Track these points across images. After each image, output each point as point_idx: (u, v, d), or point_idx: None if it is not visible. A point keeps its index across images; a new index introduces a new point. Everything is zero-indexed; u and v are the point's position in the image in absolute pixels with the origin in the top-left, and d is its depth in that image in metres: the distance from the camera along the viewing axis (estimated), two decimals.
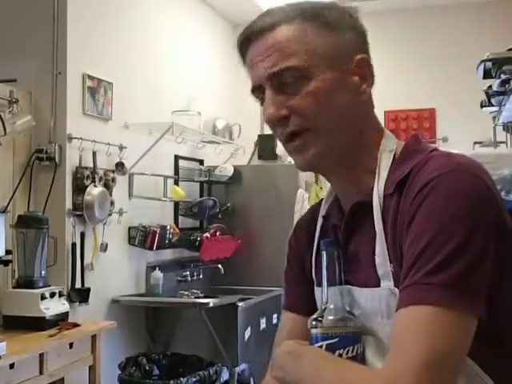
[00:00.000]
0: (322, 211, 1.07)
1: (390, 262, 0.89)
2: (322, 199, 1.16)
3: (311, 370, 0.87)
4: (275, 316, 4.08)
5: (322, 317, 0.92)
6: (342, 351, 0.88)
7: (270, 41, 0.95)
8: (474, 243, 0.80)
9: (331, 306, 0.92)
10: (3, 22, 3.28)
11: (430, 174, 0.86)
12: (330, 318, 0.91)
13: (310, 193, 4.80)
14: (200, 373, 3.27)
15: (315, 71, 0.93)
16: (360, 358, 0.90)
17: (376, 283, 0.90)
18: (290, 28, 0.95)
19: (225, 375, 3.53)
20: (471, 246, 0.80)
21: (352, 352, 0.89)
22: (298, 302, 1.11)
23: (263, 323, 3.90)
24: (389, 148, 0.97)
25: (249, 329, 3.69)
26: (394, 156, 0.96)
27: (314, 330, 0.91)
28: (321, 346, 0.89)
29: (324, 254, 0.95)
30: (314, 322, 0.92)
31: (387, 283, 0.89)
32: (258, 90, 0.99)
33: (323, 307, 0.93)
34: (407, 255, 0.83)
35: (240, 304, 3.61)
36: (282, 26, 0.95)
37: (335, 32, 0.96)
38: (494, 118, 3.52)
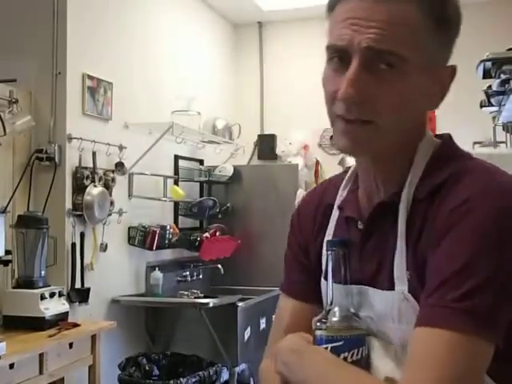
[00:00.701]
0: (338, 201, 1.03)
1: (407, 269, 0.87)
2: (328, 181, 1.12)
3: (318, 374, 0.86)
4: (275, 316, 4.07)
5: (327, 318, 0.91)
6: (346, 354, 0.88)
7: (385, 12, 0.84)
8: (505, 275, 0.79)
9: (335, 309, 0.91)
10: (3, 22, 3.28)
11: (468, 191, 0.83)
12: (335, 319, 0.90)
13: None
14: (200, 373, 3.27)
15: (414, 70, 0.86)
16: (364, 361, 0.89)
17: (390, 286, 0.89)
18: (411, 10, 0.85)
19: (225, 375, 3.53)
20: (501, 278, 0.79)
21: (357, 355, 0.88)
22: (298, 287, 1.08)
23: (263, 323, 3.90)
24: (425, 152, 0.93)
25: (249, 329, 3.68)
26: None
27: (318, 332, 0.91)
28: (325, 349, 0.89)
29: (331, 254, 0.94)
30: (318, 324, 0.91)
31: (401, 287, 0.87)
32: (336, 50, 0.88)
33: (328, 308, 0.92)
34: (434, 272, 0.82)
35: (240, 304, 3.61)
36: (405, 4, 0.85)
37: (445, 32, 0.89)
38: (493, 117, 3.52)
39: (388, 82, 0.85)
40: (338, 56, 0.88)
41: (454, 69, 0.92)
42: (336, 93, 0.87)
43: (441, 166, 0.90)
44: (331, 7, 0.91)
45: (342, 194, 1.03)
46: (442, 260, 0.81)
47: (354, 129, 0.88)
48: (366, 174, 0.98)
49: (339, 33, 0.87)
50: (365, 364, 0.89)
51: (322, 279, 1.02)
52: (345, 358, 0.87)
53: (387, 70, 0.85)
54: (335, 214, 1.03)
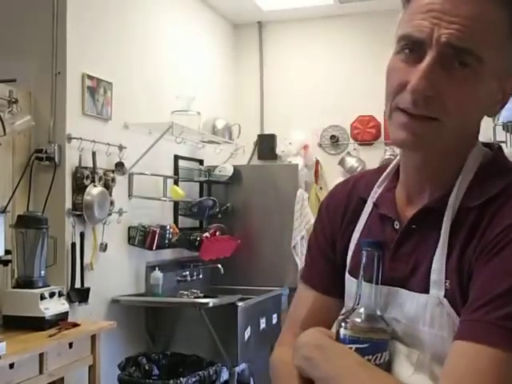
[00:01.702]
0: (373, 197, 1.01)
1: (447, 277, 0.86)
2: (359, 175, 1.11)
3: (345, 372, 0.85)
4: (275, 316, 4.08)
5: (352, 317, 0.90)
6: (370, 357, 0.86)
7: (470, 8, 0.81)
8: None
9: (361, 310, 0.90)
10: (3, 22, 3.27)
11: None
12: (361, 320, 0.89)
13: (309, 193, 4.80)
14: (200, 373, 3.26)
15: (487, 73, 0.83)
16: (386, 366, 0.88)
17: (424, 289, 0.88)
18: (494, 9, 0.82)
19: (225, 375, 3.53)
20: None
21: (380, 359, 0.87)
22: (321, 279, 1.07)
23: (263, 323, 3.90)
24: (475, 159, 0.91)
25: (249, 329, 3.68)
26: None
27: (343, 331, 0.89)
28: (350, 349, 0.87)
29: (365, 254, 0.92)
30: (343, 323, 0.90)
31: (437, 292, 0.86)
32: (411, 41, 0.85)
33: (354, 307, 0.91)
34: (482, 288, 0.81)
35: (240, 304, 3.60)
36: (487, 2, 0.82)
37: None
38: (493, 117, 3.52)
39: (460, 82, 0.83)
40: (410, 48, 0.85)
41: None
42: (403, 84, 0.85)
43: (493, 176, 0.89)
44: None
45: (376, 190, 1.01)
46: (492, 277, 0.80)
47: (418, 124, 0.85)
48: (413, 174, 0.95)
49: (418, 23, 0.83)
50: (386, 369, 0.88)
51: (348, 274, 1.01)
52: (368, 361, 0.86)
53: (461, 68, 0.83)
54: (367, 209, 1.01)
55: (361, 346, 0.87)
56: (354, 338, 0.87)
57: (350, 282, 1.00)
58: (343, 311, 0.92)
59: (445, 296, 0.86)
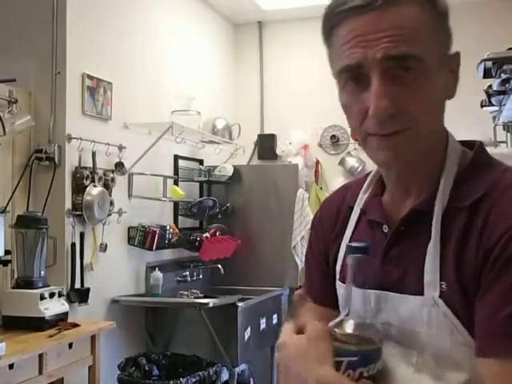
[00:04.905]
0: (360, 203, 1.02)
1: (442, 279, 0.86)
2: (349, 184, 1.11)
3: None
4: (275, 316, 4.07)
5: (343, 327, 0.88)
6: (363, 369, 0.85)
7: (394, 18, 0.83)
8: None
9: (350, 321, 0.88)
10: (3, 22, 3.27)
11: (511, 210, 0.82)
12: (350, 332, 0.88)
13: (310, 193, 4.80)
14: (200, 373, 3.26)
15: (432, 67, 0.85)
16: (381, 375, 0.87)
17: (418, 291, 0.88)
18: (414, 10, 0.84)
19: (224, 375, 3.52)
20: None
21: (373, 370, 0.86)
22: (317, 292, 1.08)
23: (263, 323, 3.89)
24: (454, 155, 0.92)
25: (248, 329, 3.68)
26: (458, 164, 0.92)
27: (335, 344, 0.88)
28: (342, 362, 0.86)
29: (350, 259, 0.90)
30: (335, 333, 0.89)
31: (432, 293, 0.86)
32: (350, 71, 0.86)
33: (344, 316, 0.90)
34: (501, 298, 0.80)
35: (240, 304, 3.60)
36: (405, 6, 0.84)
37: (446, 23, 0.88)
38: (494, 117, 3.52)
39: (413, 86, 0.84)
40: (353, 78, 0.87)
41: (458, 53, 0.92)
42: (364, 112, 0.86)
43: (478, 174, 0.89)
44: (328, 34, 0.90)
45: (362, 197, 1.02)
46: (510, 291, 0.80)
47: (393, 141, 0.86)
48: (397, 180, 0.96)
49: (349, 53, 0.85)
50: (381, 377, 0.87)
51: (338, 282, 1.02)
52: (361, 373, 0.85)
53: (408, 74, 0.84)
54: (354, 216, 1.02)
55: (353, 359, 0.86)
56: (346, 351, 0.86)
57: (342, 289, 1.00)
58: (333, 322, 0.90)
59: (440, 296, 0.85)
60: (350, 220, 1.03)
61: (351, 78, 0.87)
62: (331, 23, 0.88)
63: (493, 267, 0.81)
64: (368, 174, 1.06)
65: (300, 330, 0.92)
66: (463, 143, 0.96)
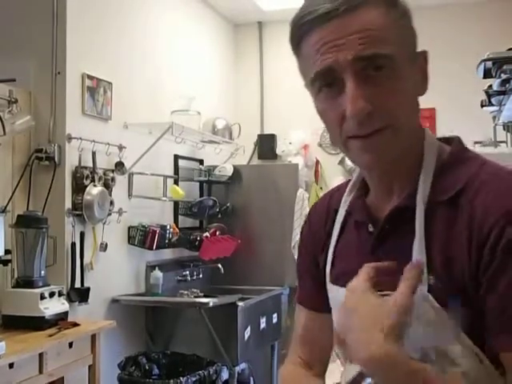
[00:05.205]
0: (344, 205, 1.04)
1: (430, 273, 0.86)
2: (333, 190, 1.13)
3: None
4: (275, 316, 4.08)
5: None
6: None
7: (359, 21, 0.85)
8: None
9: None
10: (3, 22, 3.27)
11: (503, 201, 0.83)
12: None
13: (310, 193, 4.80)
14: (200, 372, 3.26)
15: (402, 64, 0.87)
16: None
17: None
18: (379, 11, 0.86)
19: (225, 375, 3.52)
20: None
21: None
22: (310, 299, 1.10)
23: (263, 323, 3.89)
24: (433, 149, 0.94)
25: (248, 328, 3.68)
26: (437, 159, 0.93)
27: None
28: None
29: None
30: None
31: (420, 287, 0.86)
32: (323, 76, 0.88)
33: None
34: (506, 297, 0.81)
35: (240, 303, 3.60)
36: (367, 9, 0.86)
37: (409, 22, 0.91)
38: (494, 117, 3.52)
39: (386, 85, 0.86)
40: (326, 85, 0.88)
41: (425, 52, 0.93)
42: (341, 116, 0.87)
43: (457, 167, 0.91)
44: (297, 43, 0.91)
45: (346, 200, 1.04)
46: None
47: (374, 141, 0.87)
48: (378, 181, 0.97)
49: (321, 59, 0.87)
50: None
51: (330, 284, 1.03)
52: None
53: (380, 73, 0.86)
54: (339, 218, 1.04)
55: None
56: None
57: (336, 292, 1.01)
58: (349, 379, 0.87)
59: (429, 291, 0.86)
60: (335, 222, 1.04)
61: (325, 84, 0.89)
62: (299, 33, 0.90)
63: (492, 258, 0.82)
64: (350, 180, 1.08)
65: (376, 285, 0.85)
66: (441, 140, 0.98)
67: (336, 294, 1.01)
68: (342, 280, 0.98)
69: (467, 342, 0.84)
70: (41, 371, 2.55)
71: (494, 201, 0.83)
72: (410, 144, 0.92)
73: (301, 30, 0.89)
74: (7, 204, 2.92)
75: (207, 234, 4.24)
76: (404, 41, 0.89)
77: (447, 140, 0.98)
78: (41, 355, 2.55)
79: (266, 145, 5.17)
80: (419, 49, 0.93)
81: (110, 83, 3.53)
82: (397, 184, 0.95)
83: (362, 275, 0.86)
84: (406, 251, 0.89)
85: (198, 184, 4.61)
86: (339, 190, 1.09)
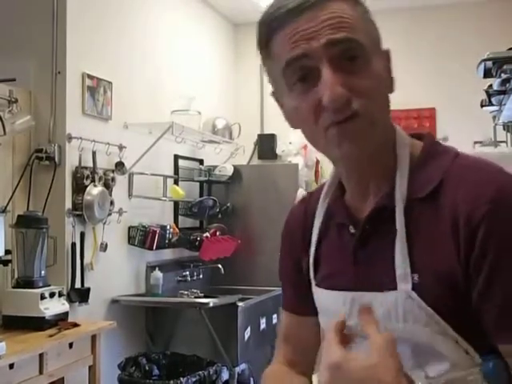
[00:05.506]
0: (322, 208, 1.03)
1: (413, 272, 0.86)
2: (309, 194, 1.13)
3: None
4: (275, 316, 4.07)
5: None
6: None
7: (330, 10, 0.86)
8: None
9: None
10: (3, 22, 3.27)
11: (485, 191, 0.83)
12: None
13: None
14: (200, 373, 3.26)
15: (372, 55, 0.88)
16: None
17: (392, 287, 0.88)
18: (348, 3, 0.88)
19: (225, 375, 3.52)
20: None
21: None
22: (292, 302, 1.12)
23: (263, 323, 3.89)
24: (406, 147, 0.93)
25: (249, 329, 3.68)
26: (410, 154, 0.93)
27: None
28: None
29: None
30: None
31: (404, 286, 0.87)
32: (297, 66, 0.87)
33: None
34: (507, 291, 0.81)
35: (240, 304, 3.60)
36: (335, 2, 0.87)
37: (372, 18, 0.92)
38: (494, 117, 3.52)
39: (360, 74, 0.86)
40: (300, 78, 0.87)
41: (388, 51, 0.94)
42: (317, 106, 0.86)
43: (431, 162, 0.91)
44: (266, 42, 0.90)
45: (323, 203, 1.04)
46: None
47: (350, 125, 0.86)
48: (357, 181, 0.97)
49: (294, 45, 0.86)
50: None
51: (316, 287, 1.02)
52: None
53: (354, 63, 0.86)
54: (317, 222, 1.03)
55: None
56: None
57: (321, 294, 1.01)
58: None
59: (413, 289, 0.86)
60: (313, 226, 1.04)
61: (298, 79, 0.87)
62: (269, 30, 0.89)
63: (484, 253, 0.82)
64: (325, 183, 1.08)
65: (345, 340, 0.80)
66: (412, 136, 0.98)
67: (321, 295, 1.01)
68: (326, 282, 0.99)
69: (451, 333, 0.85)
70: (41, 372, 2.55)
71: (476, 193, 0.83)
72: (384, 140, 0.91)
73: (270, 28, 0.88)
74: (7, 204, 2.92)
75: (207, 234, 4.24)
76: (371, 34, 0.90)
77: (419, 136, 0.98)
78: (41, 356, 2.55)
79: (266, 145, 5.17)
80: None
81: (110, 83, 3.53)
82: (373, 184, 0.94)
83: (334, 344, 0.79)
84: (388, 251, 0.89)
85: (198, 184, 4.61)
86: (315, 194, 1.08)
